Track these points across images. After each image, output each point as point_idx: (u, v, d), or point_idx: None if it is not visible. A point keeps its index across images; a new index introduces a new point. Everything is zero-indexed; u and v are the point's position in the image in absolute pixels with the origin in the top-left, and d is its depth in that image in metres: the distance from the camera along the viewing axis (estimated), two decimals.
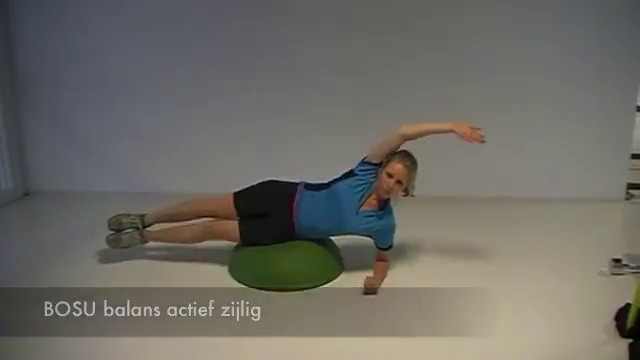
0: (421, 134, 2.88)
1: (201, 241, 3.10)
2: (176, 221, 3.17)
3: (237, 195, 3.06)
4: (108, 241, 3.15)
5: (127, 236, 3.16)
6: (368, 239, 3.04)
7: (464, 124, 2.88)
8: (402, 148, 2.92)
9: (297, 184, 3.03)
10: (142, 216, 3.21)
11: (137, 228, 3.18)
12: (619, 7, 4.02)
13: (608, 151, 4.27)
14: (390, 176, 2.82)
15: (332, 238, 3.12)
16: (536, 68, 4.18)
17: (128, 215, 3.20)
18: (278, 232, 2.95)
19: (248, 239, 2.98)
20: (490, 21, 4.13)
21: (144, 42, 4.30)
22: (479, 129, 2.86)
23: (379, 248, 3.02)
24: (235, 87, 4.32)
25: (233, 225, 2.98)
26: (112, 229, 3.18)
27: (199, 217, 3.12)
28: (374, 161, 2.91)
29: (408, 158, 2.87)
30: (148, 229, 3.22)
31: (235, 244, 3.10)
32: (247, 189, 3.08)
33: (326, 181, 3.02)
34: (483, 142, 2.85)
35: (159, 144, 4.45)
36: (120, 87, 4.37)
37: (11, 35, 4.27)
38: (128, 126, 4.44)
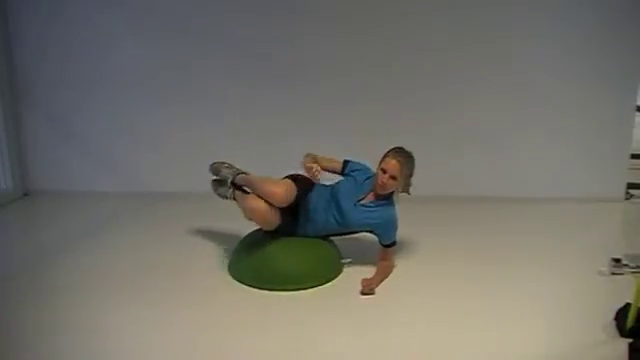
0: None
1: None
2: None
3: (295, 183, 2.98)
4: (211, 185, 3.22)
5: (223, 189, 3.12)
6: (369, 238, 3.05)
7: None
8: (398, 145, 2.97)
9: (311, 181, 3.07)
10: (237, 174, 3.08)
11: (226, 180, 3.09)
12: (618, 7, 4.02)
13: (608, 151, 4.27)
14: (384, 172, 2.86)
15: (332, 238, 3.12)
16: (536, 68, 4.18)
17: (230, 167, 3.15)
18: (289, 221, 2.95)
19: (281, 227, 2.95)
20: (490, 21, 4.13)
21: (143, 41, 4.29)
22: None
23: (382, 245, 3.03)
24: (235, 86, 4.32)
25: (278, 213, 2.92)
26: (212, 172, 3.22)
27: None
28: (338, 173, 3.10)
29: (402, 154, 2.92)
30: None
31: (236, 244, 3.10)
32: (293, 178, 3.02)
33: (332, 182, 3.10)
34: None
35: (159, 144, 4.45)
36: (119, 87, 4.37)
37: (10, 35, 4.27)
38: (128, 126, 4.44)
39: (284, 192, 2.83)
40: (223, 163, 3.18)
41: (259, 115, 4.37)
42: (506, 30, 4.14)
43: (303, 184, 3.01)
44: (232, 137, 4.39)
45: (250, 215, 2.89)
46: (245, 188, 3.02)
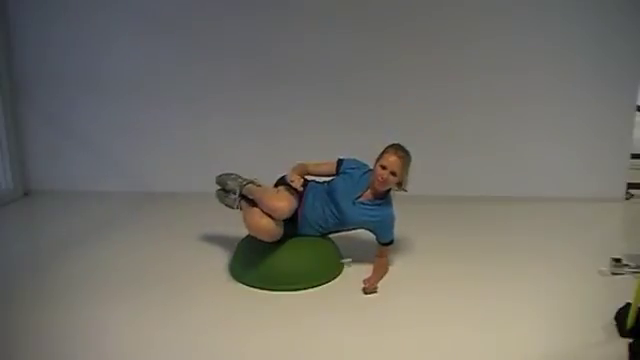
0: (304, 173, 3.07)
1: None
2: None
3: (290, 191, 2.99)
4: (216, 194, 3.24)
5: (231, 198, 3.09)
6: (369, 237, 3.05)
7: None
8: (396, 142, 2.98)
9: (308, 181, 3.09)
10: (243, 185, 3.06)
11: (234, 192, 3.07)
12: (619, 7, 4.02)
13: (608, 151, 4.27)
14: (384, 168, 2.87)
15: (332, 237, 3.12)
16: (536, 67, 4.18)
17: (236, 178, 3.12)
18: (287, 224, 2.94)
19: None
20: (490, 20, 4.13)
21: (144, 41, 4.30)
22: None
23: (380, 243, 3.03)
24: (236, 85, 4.33)
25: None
26: (218, 184, 3.22)
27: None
28: (334, 174, 3.09)
29: (401, 150, 2.93)
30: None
31: (236, 244, 3.11)
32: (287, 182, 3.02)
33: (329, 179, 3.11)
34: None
35: (159, 143, 4.46)
36: (120, 86, 4.38)
37: (10, 35, 4.27)
38: (128, 125, 4.44)
39: (287, 207, 2.82)
40: (230, 174, 3.16)
41: (259, 114, 4.37)
42: (506, 29, 4.14)
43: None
44: (232, 137, 4.40)
45: (256, 233, 2.85)
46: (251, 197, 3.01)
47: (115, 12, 4.23)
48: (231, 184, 3.10)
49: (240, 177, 3.13)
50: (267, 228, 2.81)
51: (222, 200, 3.19)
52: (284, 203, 2.82)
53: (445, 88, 4.25)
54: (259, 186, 3.04)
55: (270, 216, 2.80)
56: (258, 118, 4.38)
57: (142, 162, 4.50)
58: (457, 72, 4.21)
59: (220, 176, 3.20)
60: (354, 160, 3.08)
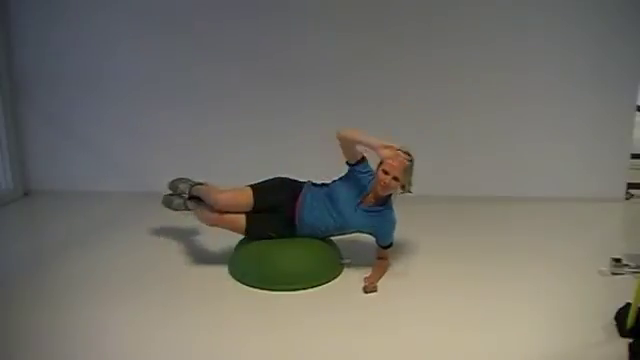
0: (352, 142, 2.89)
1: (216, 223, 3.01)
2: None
3: (255, 190, 3.01)
4: (163, 200, 3.33)
5: (178, 201, 3.26)
6: (369, 238, 3.05)
7: (390, 147, 2.81)
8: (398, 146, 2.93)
9: (304, 182, 3.06)
10: (193, 186, 3.22)
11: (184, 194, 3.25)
12: (619, 7, 4.02)
13: (608, 151, 4.27)
14: (386, 173, 2.84)
15: (332, 238, 3.12)
16: (536, 67, 4.18)
17: (187, 182, 3.26)
18: (280, 225, 2.96)
19: (253, 232, 2.98)
20: (490, 20, 4.13)
21: (144, 41, 4.30)
22: (406, 152, 2.87)
23: (380, 246, 3.03)
24: (235, 86, 4.33)
25: (242, 218, 2.97)
26: (170, 189, 3.33)
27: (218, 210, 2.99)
28: (350, 162, 2.99)
29: (404, 154, 2.89)
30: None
31: (236, 244, 3.10)
32: (262, 184, 3.06)
33: (329, 181, 3.07)
34: (405, 165, 2.84)
35: (159, 143, 4.46)
36: (120, 87, 4.38)
37: (11, 35, 4.27)
38: (128, 126, 4.44)
39: (224, 198, 2.93)
40: (181, 179, 3.29)
41: (259, 115, 4.37)
42: (506, 29, 4.14)
43: (287, 187, 3.03)
44: (232, 138, 4.39)
45: (209, 224, 3.00)
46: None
47: (115, 13, 4.23)
48: (182, 187, 3.23)
49: (190, 180, 3.25)
50: (211, 220, 2.95)
51: (168, 205, 3.28)
52: (223, 195, 2.95)
53: (445, 88, 4.25)
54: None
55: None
56: (258, 119, 4.37)
57: (142, 162, 4.50)
58: (457, 72, 4.21)
59: (172, 182, 3.32)
60: (367, 164, 3.00)
